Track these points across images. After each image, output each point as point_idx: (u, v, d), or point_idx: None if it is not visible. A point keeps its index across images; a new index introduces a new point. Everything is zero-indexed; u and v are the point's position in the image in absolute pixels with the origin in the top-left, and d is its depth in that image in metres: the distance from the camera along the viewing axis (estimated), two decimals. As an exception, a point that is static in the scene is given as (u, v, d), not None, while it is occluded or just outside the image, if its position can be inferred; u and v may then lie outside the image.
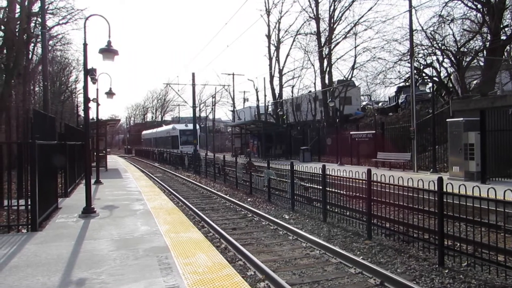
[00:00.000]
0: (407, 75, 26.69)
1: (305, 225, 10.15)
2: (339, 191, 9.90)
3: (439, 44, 24.34)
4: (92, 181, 13.65)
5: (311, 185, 11.44)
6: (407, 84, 28.50)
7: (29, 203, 7.50)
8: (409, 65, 20.38)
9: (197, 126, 37.22)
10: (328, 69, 34.25)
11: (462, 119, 14.34)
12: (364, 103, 42.05)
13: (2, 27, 21.06)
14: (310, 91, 39.97)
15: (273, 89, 40.77)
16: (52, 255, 5.87)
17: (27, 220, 7.62)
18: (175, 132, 43.76)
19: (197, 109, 61.81)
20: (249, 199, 14.61)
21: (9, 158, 9.23)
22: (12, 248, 6.29)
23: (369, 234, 8.50)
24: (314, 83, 39.16)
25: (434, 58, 25.55)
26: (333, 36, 34.07)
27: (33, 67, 27.13)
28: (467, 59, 23.71)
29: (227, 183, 19.19)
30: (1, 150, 8.61)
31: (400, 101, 31.14)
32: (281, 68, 39.89)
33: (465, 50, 24.01)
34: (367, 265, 6.50)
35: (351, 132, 24.23)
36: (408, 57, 20.79)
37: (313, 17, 35.11)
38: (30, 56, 25.75)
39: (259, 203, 13.73)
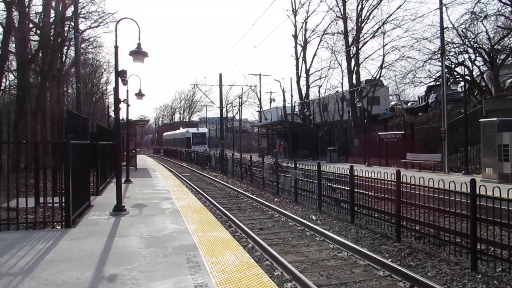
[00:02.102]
0: (438, 74, 26.03)
1: (333, 226, 10.05)
2: (367, 192, 9.76)
3: (471, 42, 23.61)
4: (123, 180, 13.95)
5: (339, 186, 11.31)
6: (437, 83, 27.77)
7: (63, 200, 7.76)
8: (439, 63, 19.89)
9: (209, 127, 38.95)
10: (355, 68, 33.81)
11: (496, 119, 13.86)
12: (392, 103, 41.32)
13: (38, 31, 21.85)
14: (337, 91, 39.55)
15: (299, 89, 40.58)
16: (85, 251, 6.05)
17: (62, 217, 7.88)
18: (188, 135, 52.10)
19: (224, 109, 62.27)
20: (275, 200, 14.60)
21: (45, 157, 9.56)
22: (48, 244, 6.53)
23: (398, 236, 8.34)
24: (341, 83, 38.76)
25: (466, 56, 24.81)
26: (360, 35, 33.61)
27: (66, 69, 28.02)
28: (501, 57, 22.89)
29: (254, 183, 19.26)
30: (37, 149, 8.94)
31: (430, 100, 30.38)
32: (308, 68, 39.67)
33: (499, 47, 23.19)
34: (396, 268, 6.37)
35: (379, 133, 23.82)
36: (439, 55, 20.28)
37: (340, 16, 34.75)
38: (63, 59, 26.64)
39: (286, 203, 13.70)
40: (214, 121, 69.93)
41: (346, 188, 10.74)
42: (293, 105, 45.02)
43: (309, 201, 12.91)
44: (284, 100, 46.05)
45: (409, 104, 38.97)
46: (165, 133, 73.58)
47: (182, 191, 13.88)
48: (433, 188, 7.58)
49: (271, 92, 66.86)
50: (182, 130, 59.81)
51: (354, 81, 33.59)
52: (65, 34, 22.61)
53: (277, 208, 12.27)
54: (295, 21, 39.59)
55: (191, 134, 51.84)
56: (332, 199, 11.47)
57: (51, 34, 20.77)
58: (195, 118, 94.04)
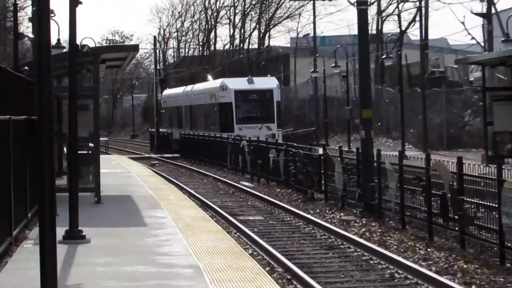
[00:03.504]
0: None
1: None
2: None
3: None
4: (59, 233, 14.32)
5: None
6: None
7: None
8: None
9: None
10: None
11: None
12: None
13: None
14: None
15: None
16: None
17: None
18: (226, 95, 58.83)
19: (370, 8, 62.50)
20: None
21: None
22: None
23: None
24: None
25: None
26: None
27: None
28: None
29: (472, 247, 19.29)
30: None
31: None
32: None
33: None
34: None
35: None
36: None
37: None
38: None
39: None
40: (344, 51, 70.16)
41: None
42: None
43: None
44: None
45: None
46: (166, 92, 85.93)
47: (240, 269, 14.06)
48: None
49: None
50: (207, 83, 69.10)
51: None
52: None
53: None
54: None
55: (233, 94, 58.07)
56: None
57: None
58: (279, 40, 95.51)
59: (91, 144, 26.80)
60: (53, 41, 28.00)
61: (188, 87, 75.05)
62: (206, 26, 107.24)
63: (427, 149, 42.38)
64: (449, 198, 20.35)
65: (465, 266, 17.86)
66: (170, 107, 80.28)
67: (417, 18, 71.01)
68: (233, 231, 23.29)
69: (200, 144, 61.91)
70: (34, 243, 14.83)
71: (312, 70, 71.84)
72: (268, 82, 60.41)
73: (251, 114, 57.67)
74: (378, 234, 22.83)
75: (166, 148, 73.75)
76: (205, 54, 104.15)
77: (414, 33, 73.29)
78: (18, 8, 44.12)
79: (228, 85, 59.06)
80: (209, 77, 76.71)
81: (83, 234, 17.33)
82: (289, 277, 17.17)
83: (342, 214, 27.30)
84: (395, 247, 20.47)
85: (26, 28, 45.09)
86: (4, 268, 13.99)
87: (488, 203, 18.69)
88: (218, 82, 62.55)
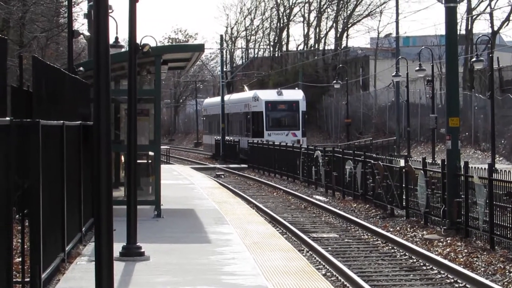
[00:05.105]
0: None
1: None
2: None
3: None
4: (116, 249, 14.37)
5: None
6: None
7: None
8: None
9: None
10: None
11: None
12: None
13: None
14: None
15: None
16: None
17: None
18: (258, 105, 68.52)
19: (459, 6, 62.33)
20: None
21: None
22: None
23: None
24: None
25: None
26: None
27: None
28: None
29: None
30: None
31: None
32: None
33: None
34: None
35: None
36: None
37: None
38: None
39: None
40: (430, 53, 69.58)
41: None
42: None
43: None
44: None
45: None
46: (206, 101, 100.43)
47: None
48: None
49: None
50: (244, 93, 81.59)
51: None
52: None
53: None
54: None
55: (264, 105, 67.55)
56: None
57: None
58: (357, 40, 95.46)
59: (151, 153, 26.76)
60: (111, 40, 27.98)
61: (226, 97, 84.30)
62: (278, 24, 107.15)
63: None
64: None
65: None
66: (209, 115, 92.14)
67: (511, 17, 70.46)
68: (305, 250, 23.28)
69: (268, 153, 62.80)
70: (88, 259, 14.95)
71: (393, 74, 71.70)
72: (295, 94, 71.14)
73: (279, 122, 67.80)
74: (464, 254, 22.67)
75: (233, 159, 73.75)
76: (276, 55, 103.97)
77: (507, 34, 72.84)
78: (73, 3, 44.09)
79: (260, 96, 68.65)
80: (245, 87, 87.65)
81: (142, 250, 17.34)
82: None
83: (424, 232, 27.17)
84: (482, 269, 20.34)
85: (81, 25, 45.19)
86: (56, 287, 14.08)
87: None
88: (251, 93, 72.69)
